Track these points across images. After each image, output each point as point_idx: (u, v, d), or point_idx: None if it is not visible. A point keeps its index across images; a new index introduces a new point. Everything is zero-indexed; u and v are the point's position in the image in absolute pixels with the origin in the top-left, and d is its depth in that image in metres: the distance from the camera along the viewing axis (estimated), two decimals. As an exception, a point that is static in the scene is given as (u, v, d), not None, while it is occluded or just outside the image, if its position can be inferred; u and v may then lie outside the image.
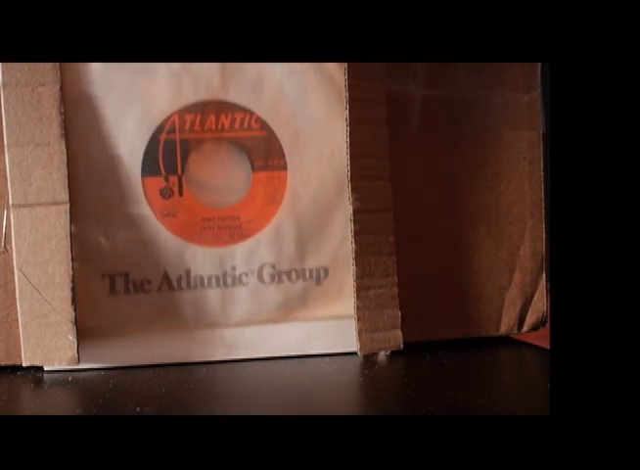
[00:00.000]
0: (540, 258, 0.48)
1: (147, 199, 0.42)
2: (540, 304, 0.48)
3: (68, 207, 0.40)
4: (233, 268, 0.43)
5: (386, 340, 0.44)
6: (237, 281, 0.43)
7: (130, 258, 0.42)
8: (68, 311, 0.40)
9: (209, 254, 0.43)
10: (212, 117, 0.42)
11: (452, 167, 0.46)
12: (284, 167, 0.43)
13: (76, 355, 0.40)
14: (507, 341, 0.48)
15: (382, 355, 0.44)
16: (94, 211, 0.41)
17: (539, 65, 0.47)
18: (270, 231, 0.43)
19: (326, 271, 0.44)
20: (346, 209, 0.43)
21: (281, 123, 0.43)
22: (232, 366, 0.42)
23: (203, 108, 0.42)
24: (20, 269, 0.40)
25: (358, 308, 0.43)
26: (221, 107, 0.42)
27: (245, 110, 0.43)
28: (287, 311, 0.43)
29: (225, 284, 0.43)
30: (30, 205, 0.40)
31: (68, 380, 0.40)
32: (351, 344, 0.44)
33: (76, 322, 0.40)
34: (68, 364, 0.40)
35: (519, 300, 0.47)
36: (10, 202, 0.40)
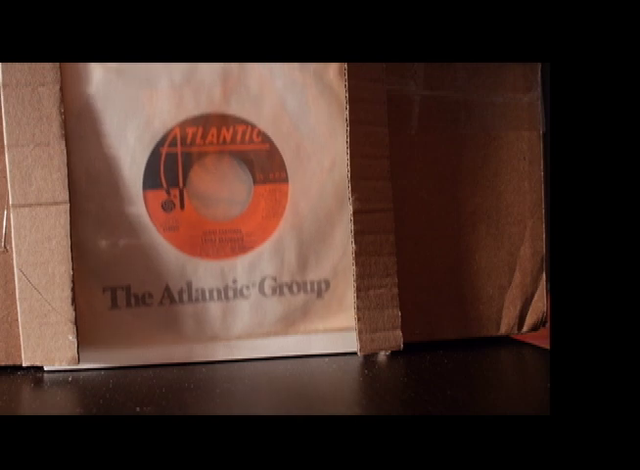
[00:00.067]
0: (540, 258, 0.48)
1: (148, 212, 0.42)
2: (540, 304, 0.48)
3: (67, 207, 0.40)
4: (234, 281, 0.43)
5: (386, 340, 0.44)
6: (238, 294, 0.43)
7: (132, 272, 0.42)
8: (69, 311, 0.40)
9: (211, 266, 0.43)
10: (214, 131, 0.42)
11: (452, 167, 0.46)
12: (285, 180, 0.43)
13: (76, 355, 0.40)
14: (507, 341, 0.48)
15: (382, 355, 0.44)
16: (95, 224, 0.41)
17: (539, 65, 0.47)
18: (272, 244, 0.43)
19: (327, 284, 0.44)
20: (347, 221, 0.44)
21: (282, 136, 0.43)
22: (232, 366, 0.42)
23: (204, 121, 0.42)
24: (20, 269, 0.40)
25: (358, 308, 0.43)
26: (223, 120, 0.42)
27: (246, 123, 0.43)
28: (288, 324, 0.44)
29: (226, 297, 0.43)
30: (30, 205, 0.40)
31: (68, 380, 0.40)
32: (351, 344, 0.44)
33: (76, 322, 0.40)
34: (68, 364, 0.40)
35: (519, 300, 0.47)
36: (10, 202, 0.40)
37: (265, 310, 0.43)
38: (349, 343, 0.44)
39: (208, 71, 0.42)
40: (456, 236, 0.46)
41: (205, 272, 0.43)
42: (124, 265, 0.42)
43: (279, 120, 0.43)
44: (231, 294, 0.43)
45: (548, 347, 0.36)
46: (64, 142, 0.40)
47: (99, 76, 0.41)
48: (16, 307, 0.40)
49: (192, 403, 0.35)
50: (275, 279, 0.43)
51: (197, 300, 0.42)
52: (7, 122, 0.40)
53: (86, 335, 0.40)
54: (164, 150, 0.42)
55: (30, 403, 0.36)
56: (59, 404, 0.36)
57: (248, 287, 0.43)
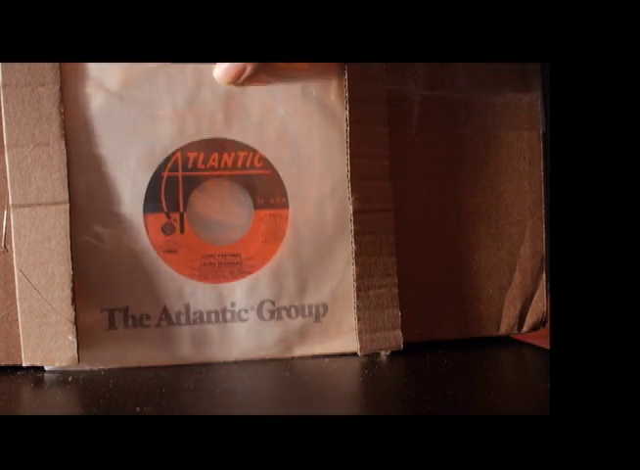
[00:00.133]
0: (540, 258, 0.48)
1: (148, 235, 0.42)
2: (540, 304, 0.48)
3: (67, 207, 0.40)
4: (233, 304, 0.43)
5: (386, 340, 0.44)
6: (236, 317, 0.43)
7: (130, 293, 0.42)
8: (68, 311, 0.40)
9: (209, 289, 0.43)
10: (215, 155, 0.42)
11: (452, 167, 0.46)
12: (286, 206, 0.43)
13: (76, 355, 0.40)
14: (507, 341, 0.48)
15: (382, 355, 0.44)
16: (95, 247, 0.41)
17: (539, 65, 0.47)
18: (270, 268, 0.43)
19: (325, 308, 0.44)
20: (347, 246, 0.44)
21: (284, 162, 0.43)
22: (232, 366, 0.42)
23: (206, 146, 0.42)
24: (20, 269, 0.40)
25: (358, 308, 0.43)
26: (225, 145, 0.43)
27: (248, 148, 0.43)
28: (285, 347, 0.44)
29: (224, 320, 0.43)
30: (30, 205, 0.40)
31: (68, 380, 0.40)
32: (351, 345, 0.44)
33: (76, 322, 0.40)
34: (69, 364, 0.40)
35: (519, 300, 0.47)
36: (10, 202, 0.40)
37: (263, 334, 0.43)
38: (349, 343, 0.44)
39: (211, 96, 0.42)
40: (456, 236, 0.46)
41: (203, 295, 0.43)
42: (123, 287, 0.42)
43: (280, 146, 0.43)
44: (229, 317, 0.43)
45: (548, 347, 0.36)
46: (63, 142, 0.40)
47: (101, 100, 0.41)
48: (16, 307, 0.40)
49: (192, 404, 0.35)
50: (273, 303, 0.43)
51: (194, 322, 0.43)
52: (7, 122, 0.40)
53: (83, 356, 0.40)
54: (166, 174, 0.42)
55: (30, 403, 0.36)
56: (59, 404, 0.36)
57: (246, 310, 0.43)
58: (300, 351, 0.44)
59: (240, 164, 0.43)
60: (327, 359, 0.43)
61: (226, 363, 0.43)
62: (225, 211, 0.43)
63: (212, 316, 0.43)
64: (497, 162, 0.47)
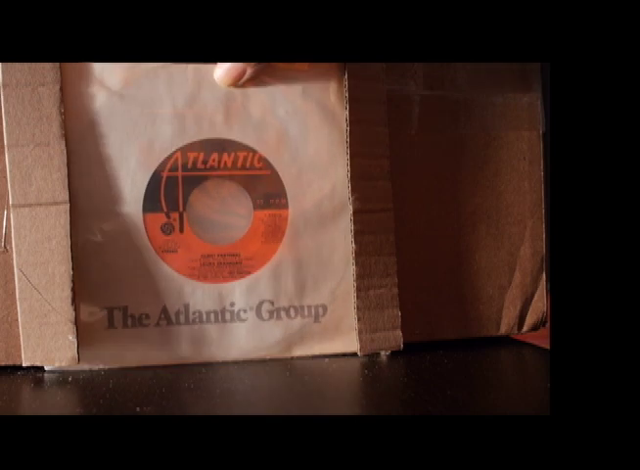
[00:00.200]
0: (540, 258, 0.48)
1: (148, 234, 0.42)
2: (540, 304, 0.48)
3: (67, 207, 0.40)
4: (232, 304, 0.43)
5: (386, 340, 0.44)
6: (235, 317, 0.43)
7: (129, 292, 0.42)
8: (68, 311, 0.40)
9: (209, 289, 0.43)
10: (215, 156, 0.42)
11: (452, 167, 0.46)
12: (285, 206, 0.43)
13: (76, 355, 0.40)
14: (507, 341, 0.48)
15: (382, 355, 0.44)
16: (94, 246, 0.41)
17: (539, 65, 0.47)
18: (270, 268, 0.43)
19: (324, 309, 0.44)
20: (346, 247, 0.44)
21: (284, 163, 0.43)
22: (232, 366, 0.42)
23: (206, 146, 0.42)
24: (20, 269, 0.40)
25: (358, 308, 0.43)
26: (225, 145, 0.43)
27: (248, 149, 0.43)
28: (285, 348, 0.44)
29: (224, 320, 0.43)
30: (30, 205, 0.40)
31: (68, 380, 0.40)
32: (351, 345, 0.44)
33: (76, 322, 0.40)
34: (69, 364, 0.40)
35: (519, 300, 0.47)
36: (10, 202, 0.40)
37: (262, 334, 0.43)
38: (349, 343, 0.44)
39: (211, 97, 0.42)
40: (456, 236, 0.46)
41: (202, 295, 0.43)
42: (122, 286, 0.42)
43: (280, 147, 0.43)
44: (228, 317, 0.43)
45: (548, 347, 0.36)
46: (64, 142, 0.40)
47: (102, 99, 0.41)
48: (16, 307, 0.40)
49: (192, 403, 0.35)
50: (273, 303, 0.43)
51: (194, 322, 0.43)
52: (7, 122, 0.40)
53: (82, 354, 0.40)
54: (165, 174, 0.42)
55: (30, 403, 0.36)
56: (59, 404, 0.36)
57: (245, 310, 0.43)
58: (300, 351, 0.44)
59: (240, 164, 0.43)
60: (327, 359, 0.43)
61: (226, 363, 0.43)
62: (225, 212, 0.43)
63: (212, 316, 0.43)
64: (497, 162, 0.47)
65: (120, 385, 0.38)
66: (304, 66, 0.43)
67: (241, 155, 0.43)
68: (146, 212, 0.42)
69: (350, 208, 0.43)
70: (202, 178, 0.42)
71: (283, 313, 0.44)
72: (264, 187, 0.43)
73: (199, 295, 0.43)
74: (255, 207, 0.43)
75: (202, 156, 0.42)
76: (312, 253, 0.44)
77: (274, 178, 0.43)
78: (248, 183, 0.43)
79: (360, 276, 0.43)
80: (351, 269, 0.43)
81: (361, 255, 0.43)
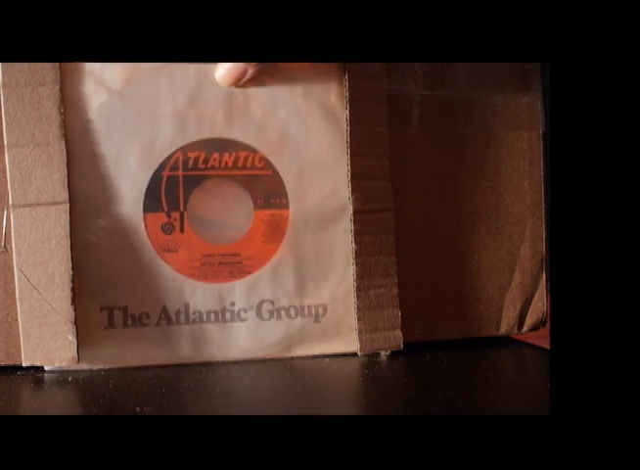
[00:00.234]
0: (540, 258, 0.48)
1: (148, 234, 0.42)
2: (540, 304, 0.48)
3: (67, 207, 0.40)
4: (232, 304, 0.43)
5: (386, 340, 0.44)
6: (236, 317, 0.43)
7: (129, 292, 0.42)
8: (68, 311, 0.40)
9: (209, 289, 0.43)
10: (216, 155, 0.42)
11: (452, 167, 0.46)
12: (286, 206, 0.43)
13: (76, 355, 0.40)
14: (507, 341, 0.48)
15: (382, 355, 0.44)
16: (94, 245, 0.41)
17: (539, 65, 0.47)
18: (270, 268, 0.43)
19: (324, 309, 0.44)
20: (347, 248, 0.44)
21: (284, 163, 0.43)
22: (232, 366, 0.42)
23: (207, 145, 0.42)
24: (20, 269, 0.40)
25: (358, 308, 0.43)
26: (225, 145, 0.43)
27: (249, 148, 0.43)
28: (285, 348, 0.44)
29: (224, 319, 0.43)
30: (30, 205, 0.40)
31: (68, 380, 0.40)
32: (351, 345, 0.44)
33: (76, 322, 0.40)
34: (68, 364, 0.40)
35: (519, 300, 0.47)
36: (10, 202, 0.40)
37: (262, 334, 0.43)
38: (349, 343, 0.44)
39: (212, 96, 0.42)
40: (456, 236, 0.46)
41: (202, 295, 0.43)
42: (122, 285, 0.42)
43: (281, 147, 0.43)
44: (228, 316, 0.43)
45: (548, 347, 0.36)
46: (63, 142, 0.40)
47: (102, 99, 0.41)
48: (16, 307, 0.40)
49: (192, 403, 0.35)
50: (273, 303, 0.43)
51: (194, 321, 0.43)
52: (7, 122, 0.40)
53: (82, 353, 0.40)
54: (166, 173, 0.42)
55: (30, 403, 0.36)
56: (59, 404, 0.36)
57: (245, 310, 0.43)
58: (300, 351, 0.44)
59: (240, 164, 0.43)
60: (327, 359, 0.43)
61: (226, 363, 0.43)
62: (225, 211, 0.43)
63: (212, 316, 0.43)
64: (497, 162, 0.47)
65: (120, 385, 0.38)
66: (305, 66, 0.43)
67: (242, 155, 0.43)
68: (146, 212, 0.42)
69: (350, 208, 0.43)
70: (202, 178, 0.42)
71: (283, 313, 0.44)
72: (265, 187, 0.43)
73: (199, 294, 0.43)
74: (256, 206, 0.43)
75: (202, 155, 0.42)
76: (312, 253, 0.44)
77: (275, 178, 0.43)
78: (248, 183, 0.43)
79: (360, 276, 0.43)
80: (351, 269, 0.43)
81: (361, 255, 0.43)
